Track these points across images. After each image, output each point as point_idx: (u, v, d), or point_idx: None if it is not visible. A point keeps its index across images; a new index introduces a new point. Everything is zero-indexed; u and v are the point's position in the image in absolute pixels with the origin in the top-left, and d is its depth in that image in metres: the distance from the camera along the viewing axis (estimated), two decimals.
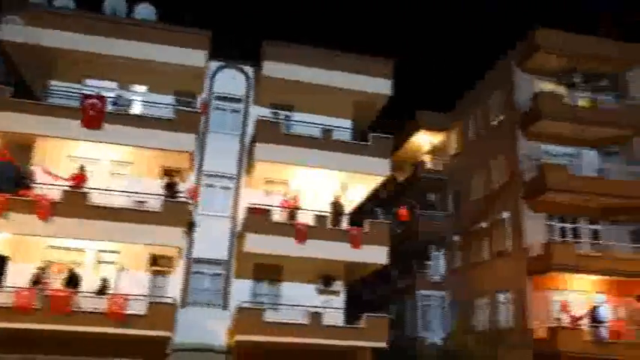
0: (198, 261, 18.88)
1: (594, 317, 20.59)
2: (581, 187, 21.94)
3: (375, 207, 32.04)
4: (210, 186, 19.79)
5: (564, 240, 22.32)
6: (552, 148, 23.68)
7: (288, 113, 21.02)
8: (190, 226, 18.37)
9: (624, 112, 23.49)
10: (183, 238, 17.68)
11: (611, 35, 24.68)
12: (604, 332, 20.47)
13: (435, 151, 31.77)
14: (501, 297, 23.34)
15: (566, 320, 20.45)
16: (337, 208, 19.54)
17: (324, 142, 19.28)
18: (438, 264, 29.23)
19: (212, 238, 18.98)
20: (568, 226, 22.98)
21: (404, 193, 31.49)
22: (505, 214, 23.68)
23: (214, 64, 20.67)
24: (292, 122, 20.64)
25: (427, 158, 31.69)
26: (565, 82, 24.15)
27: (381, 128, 20.96)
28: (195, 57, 19.06)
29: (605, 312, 21.12)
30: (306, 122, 20.17)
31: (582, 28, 24.39)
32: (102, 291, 16.67)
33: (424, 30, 69.37)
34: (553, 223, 22.79)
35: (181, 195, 17.96)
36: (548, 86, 23.99)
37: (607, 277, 21.80)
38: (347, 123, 21.21)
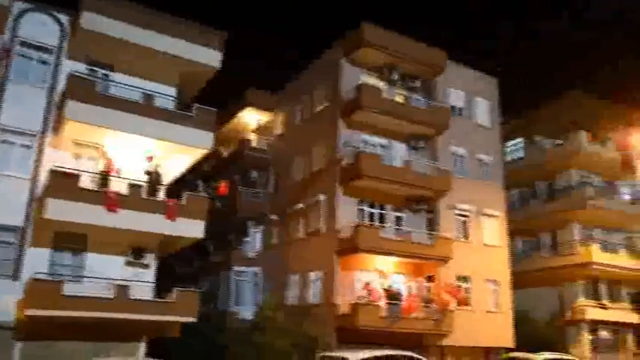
0: None
1: (391, 295, 22.62)
2: (391, 176, 23.74)
3: (196, 180, 31.39)
4: (7, 142, 17.44)
5: (372, 224, 24.00)
6: (369, 137, 25.19)
7: (106, 72, 19.34)
8: None
9: (430, 112, 25.89)
10: None
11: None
12: (398, 308, 22.61)
13: (261, 130, 32.02)
14: (312, 275, 24.40)
15: (366, 297, 22.13)
16: (154, 177, 18.64)
17: (145, 107, 18.07)
18: (255, 241, 29.63)
19: (5, 202, 16.85)
20: (376, 211, 24.73)
21: (227, 168, 31.30)
22: (321, 197, 24.74)
23: (20, 5, 18.16)
24: (111, 83, 18.93)
25: (253, 136, 31.85)
26: (385, 77, 25.87)
27: (208, 101, 20.43)
28: None
29: (401, 290, 23.36)
30: (126, 85, 18.64)
31: (407, 29, 26.34)
32: None
33: (259, 12, 69.40)
34: (363, 207, 24.37)
35: None
36: (370, 79, 25.41)
37: (405, 260, 24.04)
38: (171, 91, 20.16)
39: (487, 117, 28.91)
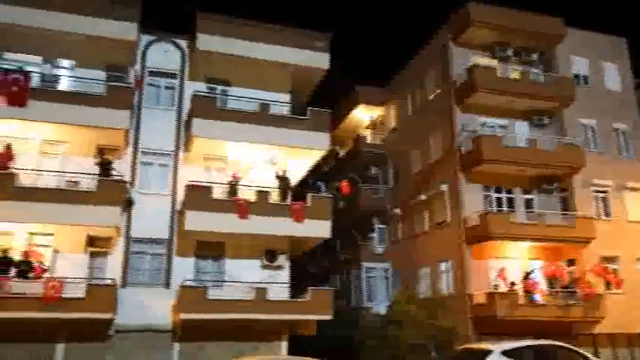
0: (138, 240, 18.41)
1: (528, 282, 21.51)
2: (515, 158, 22.58)
3: (317, 181, 32.17)
4: (148, 164, 19.22)
5: (500, 209, 23.04)
6: (487, 120, 24.14)
7: (224, 88, 20.60)
8: (128, 205, 17.88)
9: (552, 85, 24.29)
10: (121, 217, 17.19)
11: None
12: (537, 296, 21.45)
13: (374, 126, 32.10)
14: (442, 266, 23.94)
15: (502, 286, 21.26)
16: (283, 182, 19.44)
17: (262, 116, 19.07)
18: (380, 236, 29.72)
19: (151, 217, 18.52)
20: (503, 196, 23.67)
21: (345, 167, 31.73)
22: (443, 186, 24.17)
23: (146, 38, 19.93)
24: (229, 97, 20.23)
25: (367, 132, 32.01)
26: (497, 55, 24.67)
27: (319, 102, 20.95)
28: (127, 29, 18.26)
29: (538, 276, 22.13)
30: (243, 97, 19.78)
31: (515, 2, 25.03)
32: (23, 271, 15.78)
33: (361, 4, 69.47)
34: (489, 193, 23.43)
35: (116, 173, 17.34)
36: (481, 59, 24.38)
37: (540, 244, 22.73)
38: (285, 97, 20.98)
39: (617, 82, 26.51)
